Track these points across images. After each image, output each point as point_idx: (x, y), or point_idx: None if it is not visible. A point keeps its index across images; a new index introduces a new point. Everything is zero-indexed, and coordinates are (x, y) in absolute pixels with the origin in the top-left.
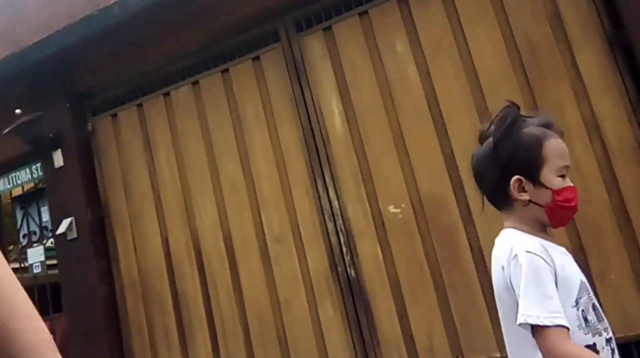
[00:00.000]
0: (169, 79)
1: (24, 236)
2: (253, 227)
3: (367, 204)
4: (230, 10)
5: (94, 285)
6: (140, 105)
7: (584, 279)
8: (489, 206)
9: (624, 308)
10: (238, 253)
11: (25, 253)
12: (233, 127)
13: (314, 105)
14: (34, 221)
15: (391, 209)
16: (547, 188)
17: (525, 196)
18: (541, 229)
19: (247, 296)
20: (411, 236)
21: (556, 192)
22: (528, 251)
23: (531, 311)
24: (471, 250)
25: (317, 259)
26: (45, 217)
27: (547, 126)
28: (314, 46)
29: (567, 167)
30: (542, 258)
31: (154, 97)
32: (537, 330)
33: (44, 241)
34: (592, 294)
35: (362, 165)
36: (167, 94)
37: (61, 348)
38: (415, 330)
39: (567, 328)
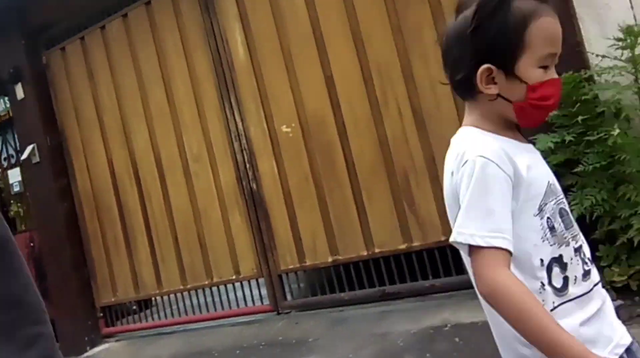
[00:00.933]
0: (104, 13)
1: (4, 159)
2: (177, 147)
3: (265, 125)
4: None
5: (57, 202)
6: (82, 38)
7: (553, 180)
8: (356, 123)
9: None
10: (166, 170)
11: (7, 174)
12: (157, 57)
13: (220, 35)
14: (11, 146)
15: (283, 128)
16: (522, 81)
17: (492, 90)
18: (508, 127)
19: (175, 207)
20: (299, 153)
21: (531, 88)
22: (481, 156)
23: (466, 228)
24: (345, 162)
25: (227, 175)
26: None
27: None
28: None
29: (553, 55)
30: (497, 165)
31: (93, 31)
32: (471, 252)
33: (20, 164)
34: (561, 197)
35: (260, 89)
36: (103, 28)
37: (37, 258)
38: (302, 234)
39: (509, 253)
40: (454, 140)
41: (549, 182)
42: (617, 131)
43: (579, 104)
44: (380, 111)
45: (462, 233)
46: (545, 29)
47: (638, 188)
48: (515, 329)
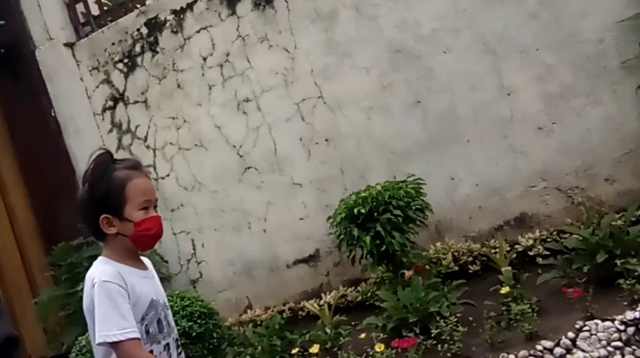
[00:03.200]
0: None
1: None
2: None
3: None
4: None
5: None
6: None
7: (156, 297)
8: None
9: None
10: None
11: None
12: None
13: None
14: None
15: None
16: (129, 221)
17: (112, 230)
18: (131, 256)
19: None
20: None
21: (137, 224)
22: (105, 281)
23: (108, 331)
24: None
25: None
26: None
27: (135, 167)
28: None
29: (149, 201)
30: (117, 284)
31: None
32: (115, 346)
33: None
34: (160, 309)
35: None
36: None
37: None
38: None
39: (139, 339)
40: (91, 269)
41: (152, 299)
42: None
43: None
44: None
45: (108, 335)
46: (137, 186)
47: None
48: None
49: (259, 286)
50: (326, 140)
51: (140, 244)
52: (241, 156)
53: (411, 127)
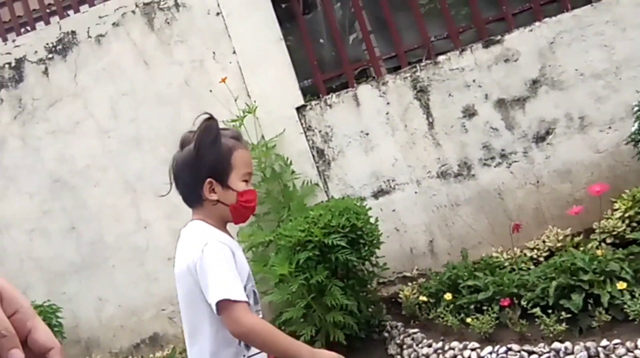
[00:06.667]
0: None
1: None
2: None
3: None
4: None
5: None
6: None
7: (250, 270)
8: None
9: None
10: None
11: None
12: None
13: None
14: None
15: None
16: (233, 190)
17: (214, 196)
18: (223, 226)
19: None
20: None
21: (240, 194)
22: (220, 241)
23: (225, 291)
24: None
25: None
26: None
27: (237, 138)
28: None
29: (250, 174)
30: (229, 247)
31: None
32: (225, 305)
33: None
34: (253, 282)
35: None
36: None
37: None
38: None
39: (249, 304)
40: (186, 230)
41: (249, 271)
42: None
43: None
44: None
45: (225, 293)
46: (242, 156)
47: None
48: (268, 351)
49: None
50: None
51: (238, 216)
52: None
53: (67, 251)
